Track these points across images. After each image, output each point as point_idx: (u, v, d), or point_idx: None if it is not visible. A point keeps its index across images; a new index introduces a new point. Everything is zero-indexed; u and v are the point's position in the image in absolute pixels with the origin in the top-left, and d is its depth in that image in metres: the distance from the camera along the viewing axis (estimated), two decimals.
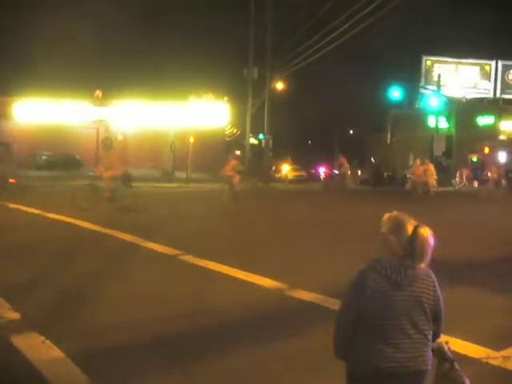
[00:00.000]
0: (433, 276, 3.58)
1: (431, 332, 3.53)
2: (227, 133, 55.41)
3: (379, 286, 3.43)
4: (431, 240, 3.51)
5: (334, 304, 7.82)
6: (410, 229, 3.51)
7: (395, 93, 55.07)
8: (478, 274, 10.64)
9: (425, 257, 3.50)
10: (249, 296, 8.62)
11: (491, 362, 6.05)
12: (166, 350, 6.38)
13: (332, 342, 3.61)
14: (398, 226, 3.53)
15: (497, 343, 6.37)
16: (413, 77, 59.68)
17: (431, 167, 30.39)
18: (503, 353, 6.12)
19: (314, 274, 10.01)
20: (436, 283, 3.57)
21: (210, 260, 10.97)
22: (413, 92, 60.21)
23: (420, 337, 3.45)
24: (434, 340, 3.58)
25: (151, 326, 7.15)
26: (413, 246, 3.47)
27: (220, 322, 7.38)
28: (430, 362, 3.50)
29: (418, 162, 32.09)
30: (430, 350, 3.51)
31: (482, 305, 8.38)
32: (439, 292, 3.57)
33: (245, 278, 9.71)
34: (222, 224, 17.90)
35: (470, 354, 6.06)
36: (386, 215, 3.64)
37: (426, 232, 3.51)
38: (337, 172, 39.30)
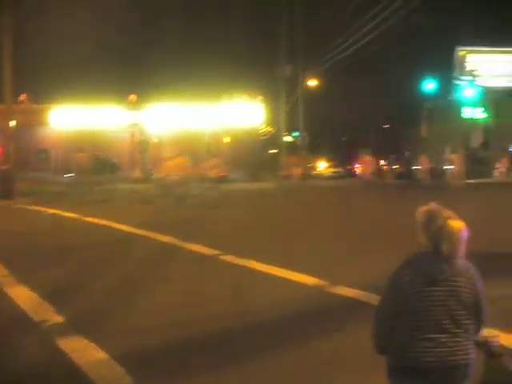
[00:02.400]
0: (472, 269, 3.53)
1: (473, 326, 3.49)
2: (262, 132, 55.42)
3: (416, 282, 3.42)
4: (463, 233, 3.44)
5: (375, 299, 7.79)
6: (443, 222, 3.46)
7: (429, 85, 54.55)
8: None
9: (457, 250, 3.45)
10: (290, 294, 8.64)
11: None
12: (209, 350, 6.42)
13: (371, 338, 3.61)
14: (430, 220, 3.50)
15: None
16: (446, 68, 58.96)
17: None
18: None
19: (354, 270, 9.98)
20: (476, 277, 3.51)
21: (250, 259, 11.01)
22: (447, 83, 59.48)
23: (460, 331, 3.42)
24: (476, 333, 3.54)
25: (193, 326, 7.20)
26: (444, 239, 3.43)
27: (263, 321, 7.41)
28: (472, 355, 3.46)
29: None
30: (471, 344, 3.48)
31: None
32: (480, 285, 3.51)
33: (285, 275, 9.75)
34: (260, 220, 17.95)
35: None
36: (420, 209, 3.60)
37: (457, 224, 3.45)
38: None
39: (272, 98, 51.81)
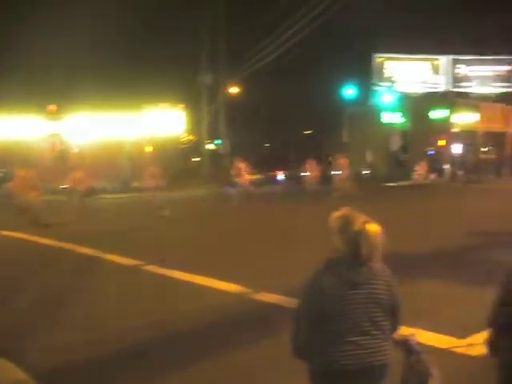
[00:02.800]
0: (388, 272, 3.59)
1: (389, 327, 3.56)
2: (184, 140, 55.19)
3: (335, 287, 3.42)
4: (379, 236, 3.48)
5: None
6: (358, 226, 3.48)
7: (349, 91, 55.56)
8: (437, 266, 10.79)
9: (376, 253, 3.49)
10: (212, 302, 8.62)
11: (457, 350, 6.14)
12: (133, 362, 6.32)
13: (290, 342, 3.60)
14: (345, 225, 3.52)
15: (461, 332, 6.46)
16: (365, 74, 60.20)
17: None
18: (468, 340, 6.20)
19: (276, 276, 10.00)
20: (391, 279, 3.58)
21: (173, 268, 10.92)
22: (366, 89, 60.70)
23: (379, 333, 3.47)
24: (392, 334, 3.62)
25: (117, 339, 7.08)
26: (362, 243, 3.45)
27: (186, 330, 7.36)
28: (389, 356, 3.53)
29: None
30: (389, 345, 3.54)
31: (443, 296, 8.50)
32: (395, 287, 3.58)
33: (208, 284, 9.70)
34: (182, 229, 17.83)
35: (436, 345, 6.14)
36: (334, 214, 3.62)
37: (374, 228, 3.49)
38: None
39: (194, 106, 51.67)
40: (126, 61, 49.42)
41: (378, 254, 3.49)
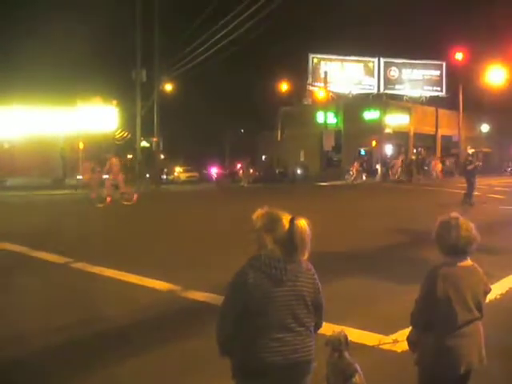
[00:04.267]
0: (312, 269, 3.58)
1: (313, 324, 3.56)
2: (117, 136, 54.54)
3: (260, 284, 3.41)
4: (309, 231, 3.48)
5: None
6: (285, 223, 3.47)
7: (284, 90, 55.91)
8: (363, 264, 10.96)
9: (305, 249, 3.49)
10: (142, 300, 8.51)
11: (383, 346, 6.24)
12: (57, 361, 6.19)
13: (216, 340, 3.58)
14: (273, 222, 3.50)
15: (387, 328, 6.56)
16: (301, 74, 60.74)
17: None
18: (393, 337, 6.31)
19: (206, 274, 9.96)
20: (315, 276, 3.57)
21: (101, 266, 10.77)
22: (301, 89, 61.29)
23: (302, 329, 3.47)
24: (315, 331, 3.62)
25: (42, 338, 6.92)
26: (291, 239, 3.44)
27: (113, 328, 7.24)
28: (313, 352, 3.52)
29: None
30: (313, 341, 3.53)
31: (370, 293, 8.62)
32: (319, 284, 3.58)
33: (137, 281, 9.58)
34: (112, 227, 17.63)
35: (364, 342, 6.21)
36: (258, 212, 3.59)
37: (303, 223, 3.48)
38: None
39: (129, 103, 51.11)
40: (61, 55, 48.59)
41: (307, 250, 3.49)
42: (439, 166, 47.97)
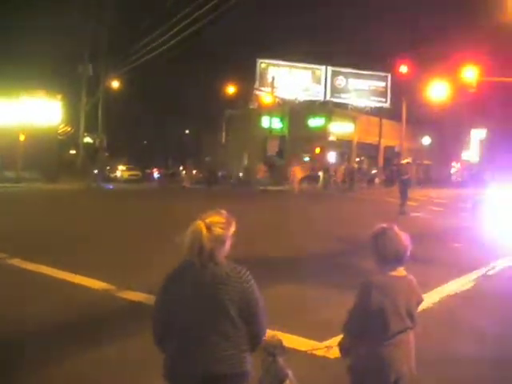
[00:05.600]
0: (243, 275, 3.35)
1: (241, 333, 3.32)
2: (60, 131, 53.70)
3: (180, 290, 3.31)
4: (205, 233, 3.27)
5: None
6: (194, 225, 3.30)
7: (230, 93, 55.89)
8: (298, 270, 11.03)
9: (215, 253, 3.30)
10: (76, 299, 8.40)
11: (316, 352, 6.29)
12: None
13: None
14: (192, 226, 3.32)
15: (320, 335, 6.62)
16: (248, 78, 60.86)
17: None
18: (326, 343, 6.37)
19: (141, 274, 9.86)
20: (248, 282, 3.35)
21: (38, 263, 10.58)
22: (247, 93, 61.40)
23: (221, 339, 3.27)
24: (253, 340, 3.42)
25: None
26: (193, 243, 3.28)
27: (45, 327, 7.11)
28: (241, 364, 3.32)
29: None
30: (240, 353, 3.33)
31: (303, 299, 8.69)
32: (251, 290, 3.35)
33: (73, 280, 9.45)
34: (51, 223, 17.36)
35: (297, 347, 6.25)
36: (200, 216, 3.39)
37: (200, 225, 3.28)
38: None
39: (73, 97, 50.38)
40: (5, 46, 47.58)
41: (219, 254, 3.29)
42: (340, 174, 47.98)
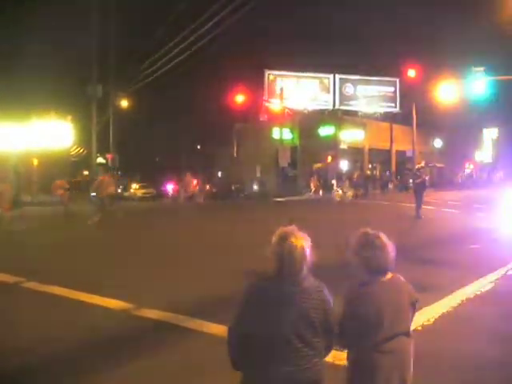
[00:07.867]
0: (321, 286, 3.58)
1: (321, 342, 3.52)
2: (73, 153, 53.96)
3: (264, 304, 3.43)
4: (300, 251, 3.46)
5: (184, 321, 7.80)
6: (280, 242, 3.46)
7: (240, 107, 55.94)
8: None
9: (297, 269, 3.45)
10: (96, 320, 8.38)
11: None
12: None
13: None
14: (277, 241, 3.49)
15: None
16: (256, 90, 60.93)
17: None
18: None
19: (160, 293, 9.83)
20: (325, 293, 3.57)
21: (54, 285, 10.58)
22: (257, 105, 61.46)
23: (308, 348, 3.43)
24: (327, 348, 3.62)
25: None
26: (281, 259, 3.44)
27: (66, 350, 7.10)
28: (322, 371, 3.52)
29: None
30: (321, 360, 3.52)
31: None
32: (328, 300, 3.58)
33: (92, 301, 9.43)
34: (66, 246, 17.39)
35: None
36: (277, 232, 3.54)
37: (291, 239, 3.46)
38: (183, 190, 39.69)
39: (83, 119, 50.55)
40: (14, 70, 47.93)
41: (300, 270, 3.42)
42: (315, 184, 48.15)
